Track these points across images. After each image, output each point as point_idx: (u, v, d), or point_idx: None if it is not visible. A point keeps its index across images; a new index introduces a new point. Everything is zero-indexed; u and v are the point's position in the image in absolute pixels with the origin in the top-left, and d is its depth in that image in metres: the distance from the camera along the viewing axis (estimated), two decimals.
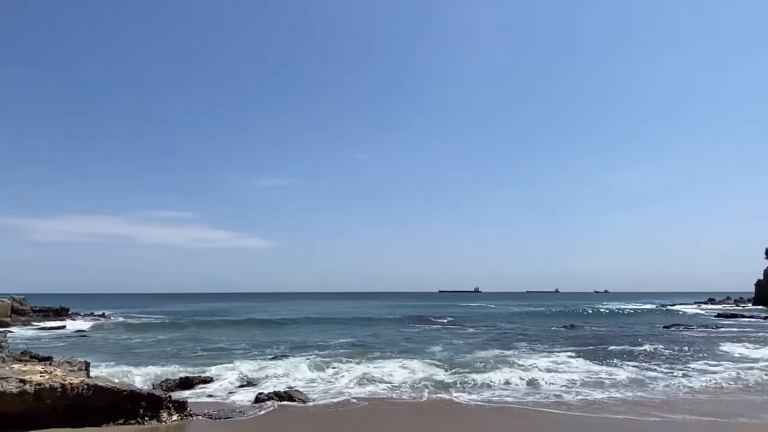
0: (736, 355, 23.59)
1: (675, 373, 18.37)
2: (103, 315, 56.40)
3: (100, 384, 12.00)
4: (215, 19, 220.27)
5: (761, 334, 34.74)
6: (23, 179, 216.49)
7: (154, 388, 14.64)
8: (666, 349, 24.98)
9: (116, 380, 13.39)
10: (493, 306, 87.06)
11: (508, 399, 14.39)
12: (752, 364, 20.31)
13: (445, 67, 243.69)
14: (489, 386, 15.95)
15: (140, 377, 17.98)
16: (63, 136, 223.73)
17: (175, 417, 12.22)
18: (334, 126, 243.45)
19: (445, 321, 48.23)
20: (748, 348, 25.97)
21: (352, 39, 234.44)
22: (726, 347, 26.17)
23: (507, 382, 16.48)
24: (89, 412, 11.63)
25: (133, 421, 11.78)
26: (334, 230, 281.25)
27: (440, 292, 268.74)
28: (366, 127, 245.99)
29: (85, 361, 15.11)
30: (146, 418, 11.89)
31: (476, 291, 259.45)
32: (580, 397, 14.54)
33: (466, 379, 16.71)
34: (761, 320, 48.40)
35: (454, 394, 14.93)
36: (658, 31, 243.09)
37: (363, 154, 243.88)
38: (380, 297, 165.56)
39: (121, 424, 11.66)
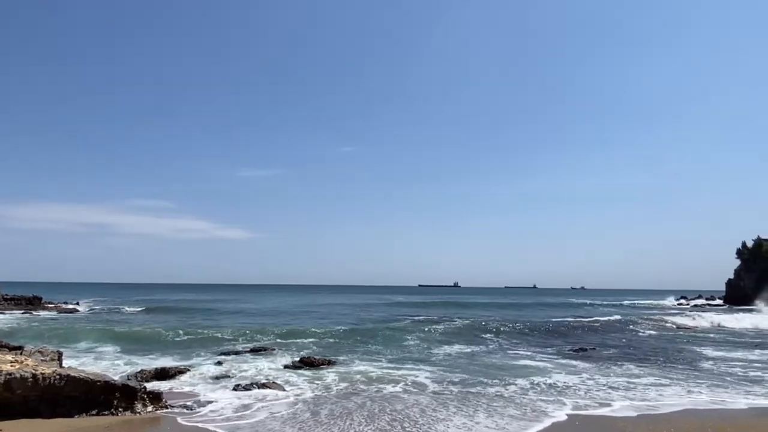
0: None
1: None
2: (77, 305, 55.52)
3: (72, 374, 11.81)
4: (207, 12, 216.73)
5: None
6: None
7: (128, 379, 14.49)
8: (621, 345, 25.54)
9: (90, 370, 13.20)
10: (480, 301, 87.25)
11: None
12: None
13: (440, 65, 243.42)
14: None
15: (115, 368, 17.79)
16: (42, 125, 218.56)
17: (150, 408, 12.09)
18: (322, 120, 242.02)
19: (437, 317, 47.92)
20: None
21: (342, 37, 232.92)
22: None
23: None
24: (62, 402, 11.45)
25: (107, 412, 11.62)
26: (317, 223, 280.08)
27: (420, 286, 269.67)
28: (353, 122, 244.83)
29: (57, 351, 14.85)
30: (120, 410, 11.75)
31: (456, 286, 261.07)
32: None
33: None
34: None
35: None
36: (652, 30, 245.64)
37: (349, 147, 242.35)
38: (361, 291, 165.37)
39: (94, 415, 11.49)
